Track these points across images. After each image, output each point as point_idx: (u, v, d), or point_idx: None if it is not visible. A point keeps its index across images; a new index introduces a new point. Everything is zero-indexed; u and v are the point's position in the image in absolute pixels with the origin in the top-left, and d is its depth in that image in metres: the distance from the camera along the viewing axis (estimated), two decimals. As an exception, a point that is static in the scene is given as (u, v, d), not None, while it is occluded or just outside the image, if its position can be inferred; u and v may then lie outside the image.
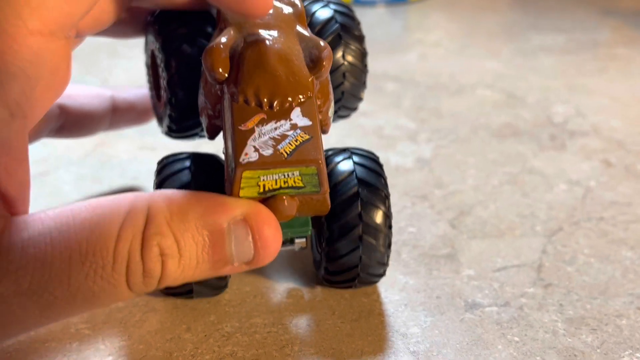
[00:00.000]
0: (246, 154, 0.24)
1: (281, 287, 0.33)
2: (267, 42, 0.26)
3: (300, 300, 0.32)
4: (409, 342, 0.30)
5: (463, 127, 0.52)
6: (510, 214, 0.40)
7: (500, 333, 0.30)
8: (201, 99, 0.28)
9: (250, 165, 0.24)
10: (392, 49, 0.70)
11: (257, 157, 0.24)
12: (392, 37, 0.76)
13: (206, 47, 0.26)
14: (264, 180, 0.24)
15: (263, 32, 0.26)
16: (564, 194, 0.42)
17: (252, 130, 0.24)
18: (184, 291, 0.30)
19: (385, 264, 0.31)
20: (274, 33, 0.27)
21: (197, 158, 0.30)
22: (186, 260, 0.23)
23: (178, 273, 0.23)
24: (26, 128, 0.23)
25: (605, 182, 0.44)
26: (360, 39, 0.32)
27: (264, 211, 0.24)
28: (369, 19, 0.83)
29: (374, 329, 0.30)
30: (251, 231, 0.24)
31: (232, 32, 0.27)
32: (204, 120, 0.28)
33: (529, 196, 0.42)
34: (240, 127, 0.24)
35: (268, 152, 0.24)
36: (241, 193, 0.24)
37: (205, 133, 0.28)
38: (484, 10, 0.89)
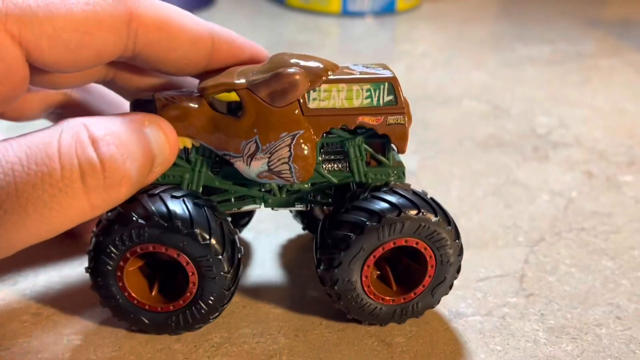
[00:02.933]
0: None
1: (269, 298, 0.34)
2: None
3: (289, 311, 0.33)
4: (394, 351, 0.30)
5: (449, 139, 0.53)
6: (493, 224, 0.41)
7: (483, 342, 0.31)
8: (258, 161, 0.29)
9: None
10: (380, 60, 0.71)
11: None
12: (380, 48, 0.77)
13: (291, 78, 0.28)
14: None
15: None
16: (547, 205, 0.43)
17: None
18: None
19: None
20: None
21: None
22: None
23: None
24: None
25: (587, 193, 0.45)
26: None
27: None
28: (357, 30, 0.84)
29: (360, 338, 0.31)
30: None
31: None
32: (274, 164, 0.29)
33: (512, 207, 0.43)
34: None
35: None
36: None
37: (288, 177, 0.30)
38: (471, 20, 0.90)
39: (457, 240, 0.30)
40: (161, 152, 0.26)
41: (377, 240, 0.29)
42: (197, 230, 0.28)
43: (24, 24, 0.24)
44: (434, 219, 0.29)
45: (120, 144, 0.23)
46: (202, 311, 0.29)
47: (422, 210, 0.29)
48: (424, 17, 0.92)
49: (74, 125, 0.23)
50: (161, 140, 0.26)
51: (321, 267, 0.30)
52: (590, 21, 0.91)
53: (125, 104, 0.36)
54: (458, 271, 0.31)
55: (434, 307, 0.32)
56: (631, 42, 0.81)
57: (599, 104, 0.62)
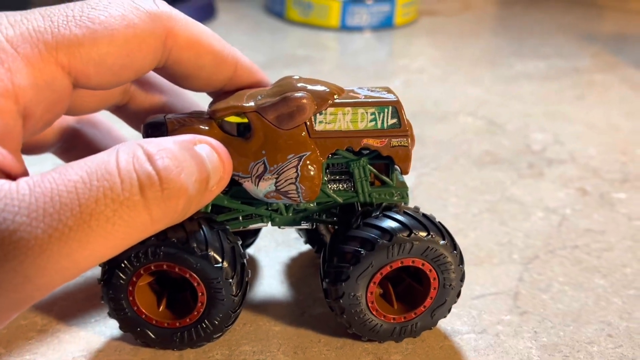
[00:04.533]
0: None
1: (270, 315, 0.34)
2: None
3: (288, 328, 0.33)
4: (390, 368, 0.31)
5: (445, 155, 0.54)
6: (489, 242, 0.42)
7: (478, 360, 0.32)
8: (268, 183, 0.30)
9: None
10: (377, 75, 0.72)
11: None
12: (378, 63, 0.78)
13: (299, 102, 0.29)
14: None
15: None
16: (541, 222, 0.44)
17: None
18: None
19: None
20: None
21: None
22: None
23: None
24: (23, 127, 0.25)
25: (581, 210, 0.46)
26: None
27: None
28: (356, 45, 0.85)
29: (358, 356, 0.32)
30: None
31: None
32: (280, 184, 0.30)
33: (507, 224, 0.44)
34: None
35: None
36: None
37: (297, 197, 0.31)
38: (468, 35, 0.91)
39: (460, 266, 0.31)
40: (215, 170, 0.26)
41: (386, 258, 0.30)
42: (211, 253, 0.29)
43: (73, 55, 0.25)
44: (441, 242, 0.30)
45: (173, 157, 0.24)
46: (208, 330, 0.30)
47: (431, 233, 0.30)
48: (421, 32, 0.93)
49: (129, 145, 0.24)
50: (214, 158, 0.26)
51: (327, 280, 0.31)
52: (586, 36, 0.92)
53: (129, 140, 0.37)
54: (458, 295, 0.32)
55: (431, 329, 0.32)
56: (626, 58, 0.82)
57: (593, 120, 0.63)
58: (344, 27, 0.91)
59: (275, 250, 0.40)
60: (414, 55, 0.82)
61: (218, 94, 0.32)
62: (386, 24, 0.92)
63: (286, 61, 0.76)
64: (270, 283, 0.37)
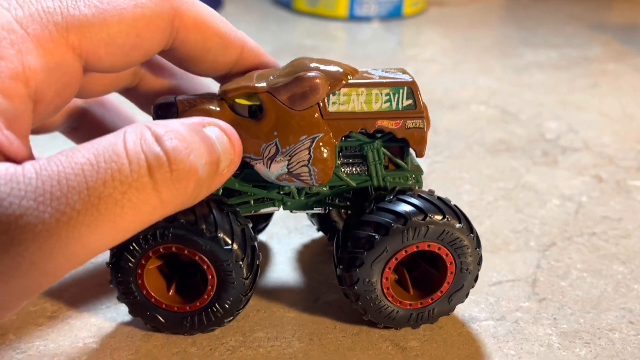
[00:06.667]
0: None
1: (283, 302, 0.34)
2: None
3: (302, 314, 0.33)
4: (408, 355, 0.30)
5: (458, 143, 0.53)
6: (504, 229, 0.41)
7: (497, 346, 0.31)
8: (280, 165, 0.29)
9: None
10: (386, 65, 0.71)
11: None
12: (387, 52, 0.77)
13: (312, 82, 0.28)
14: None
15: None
16: (557, 209, 0.43)
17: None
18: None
19: None
20: None
21: None
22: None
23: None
24: (34, 112, 0.25)
25: (597, 198, 0.45)
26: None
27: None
28: (364, 35, 0.84)
29: (374, 342, 0.31)
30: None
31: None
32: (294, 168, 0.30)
33: (522, 212, 0.43)
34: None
35: None
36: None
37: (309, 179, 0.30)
38: (477, 25, 0.90)
39: (477, 249, 0.30)
40: (226, 153, 0.26)
41: (401, 243, 0.29)
42: (221, 235, 0.28)
43: (83, 35, 0.24)
44: (457, 225, 0.29)
45: (182, 139, 0.24)
46: (218, 314, 0.30)
47: (447, 216, 0.29)
48: (430, 21, 0.92)
49: (137, 127, 0.24)
50: (224, 140, 0.26)
51: (341, 267, 0.30)
52: (596, 26, 0.91)
53: (138, 120, 0.36)
54: (475, 280, 0.31)
55: (449, 314, 0.32)
56: (637, 47, 0.82)
57: (607, 109, 0.62)
58: (352, 17, 0.90)
59: (288, 237, 0.40)
60: (424, 45, 0.82)
61: (225, 78, 0.31)
62: (395, 14, 0.92)
63: (294, 51, 0.75)
64: (283, 269, 0.37)
